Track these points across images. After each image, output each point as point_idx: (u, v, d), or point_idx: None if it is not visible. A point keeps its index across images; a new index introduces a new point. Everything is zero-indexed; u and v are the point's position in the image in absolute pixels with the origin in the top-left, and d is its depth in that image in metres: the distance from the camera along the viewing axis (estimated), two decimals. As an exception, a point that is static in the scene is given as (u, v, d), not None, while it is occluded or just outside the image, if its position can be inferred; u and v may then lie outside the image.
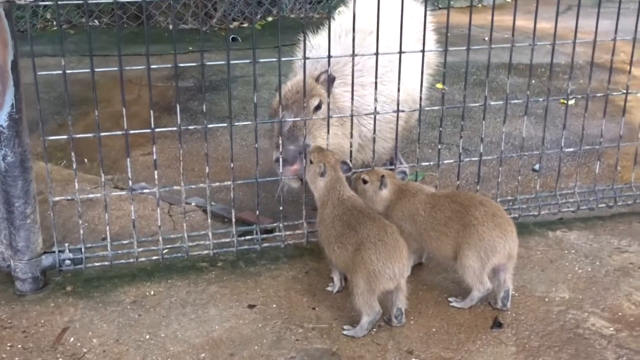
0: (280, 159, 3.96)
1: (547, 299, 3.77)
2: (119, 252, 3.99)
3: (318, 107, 4.12)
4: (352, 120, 4.07)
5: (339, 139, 4.14)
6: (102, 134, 3.75)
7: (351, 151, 4.12)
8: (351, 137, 4.10)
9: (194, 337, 3.50)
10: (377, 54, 3.93)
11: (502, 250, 3.59)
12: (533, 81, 7.26)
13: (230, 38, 9.04)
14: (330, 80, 4.12)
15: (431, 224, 3.71)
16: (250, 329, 3.55)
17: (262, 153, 4.11)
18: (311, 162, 3.80)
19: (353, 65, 4.01)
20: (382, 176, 3.84)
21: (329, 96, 4.05)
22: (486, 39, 8.48)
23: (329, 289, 3.85)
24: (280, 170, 3.99)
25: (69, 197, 4.25)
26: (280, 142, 3.95)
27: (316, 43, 4.57)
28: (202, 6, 4.27)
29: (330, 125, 4.04)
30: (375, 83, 4.01)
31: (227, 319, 3.63)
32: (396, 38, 3.97)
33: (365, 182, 3.90)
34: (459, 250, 3.62)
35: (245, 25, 9.92)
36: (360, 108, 4.22)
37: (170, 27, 9.70)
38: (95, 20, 9.56)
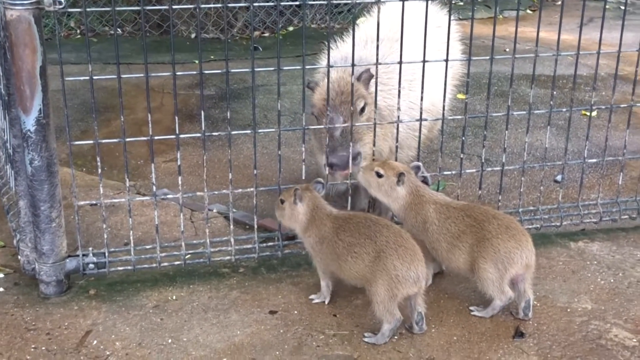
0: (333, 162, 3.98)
1: (569, 310, 3.75)
2: (142, 257, 4.02)
3: (363, 110, 4.13)
4: (397, 126, 4.13)
5: (379, 141, 4.15)
6: (128, 139, 3.79)
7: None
8: (396, 140, 4.14)
9: (215, 342, 3.52)
10: (400, 62, 3.94)
11: (520, 261, 3.58)
12: (555, 92, 7.27)
13: (252, 47, 9.09)
14: (370, 77, 4.13)
15: (444, 236, 3.70)
16: (272, 335, 3.56)
17: (284, 161, 4.13)
18: (380, 176, 3.79)
19: (377, 70, 4.02)
20: (401, 173, 3.76)
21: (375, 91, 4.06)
22: (507, 49, 8.47)
23: (313, 298, 3.83)
24: (333, 174, 4.00)
25: (94, 202, 4.29)
26: (331, 146, 3.96)
27: (345, 51, 4.57)
28: (225, 14, 4.28)
29: (370, 129, 4.06)
30: (399, 91, 4.03)
31: (248, 325, 3.64)
32: (423, 46, 3.98)
33: (380, 175, 3.81)
34: (474, 265, 3.62)
35: (267, 34, 9.98)
36: (394, 110, 4.22)
37: (192, 35, 9.78)
38: (119, 29, 9.66)
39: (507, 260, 3.56)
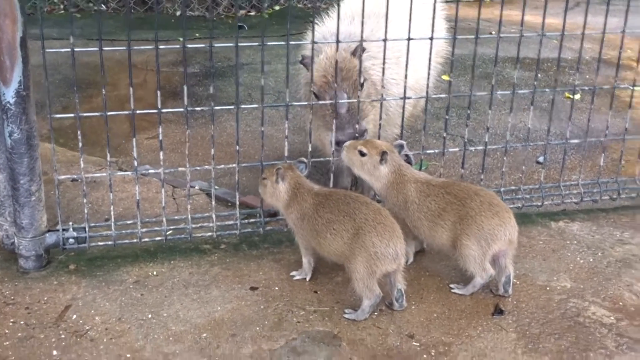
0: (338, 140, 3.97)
1: (548, 288, 3.78)
2: (123, 232, 4.00)
3: (362, 85, 4.10)
4: (404, 102, 4.12)
5: (377, 117, 4.14)
6: (109, 113, 3.76)
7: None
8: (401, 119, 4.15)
9: (196, 317, 3.51)
10: (385, 40, 3.93)
11: (503, 237, 3.61)
12: (539, 75, 7.29)
13: (237, 26, 9.03)
14: (363, 51, 4.09)
15: (425, 214, 3.71)
16: (252, 311, 3.56)
17: (267, 139, 4.11)
18: (363, 155, 3.79)
19: (361, 47, 4.00)
20: (384, 152, 3.75)
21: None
22: (493, 32, 8.47)
23: (295, 275, 3.83)
24: (338, 153, 3.97)
25: (74, 177, 4.26)
26: (338, 123, 3.94)
27: (332, 26, 4.52)
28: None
29: (373, 105, 4.04)
30: (383, 69, 4.01)
31: (229, 300, 3.64)
32: (412, 24, 3.96)
33: (363, 154, 3.80)
34: (457, 241, 3.63)
35: (252, 13, 9.91)
36: (386, 84, 4.20)
37: (178, 13, 9.70)
38: (103, 5, 9.57)
39: (490, 237, 3.58)
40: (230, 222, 4.15)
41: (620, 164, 4.74)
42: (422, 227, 3.73)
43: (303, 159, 3.88)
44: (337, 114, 3.96)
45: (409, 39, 3.95)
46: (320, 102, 4.05)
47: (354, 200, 3.55)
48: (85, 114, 3.76)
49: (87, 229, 3.94)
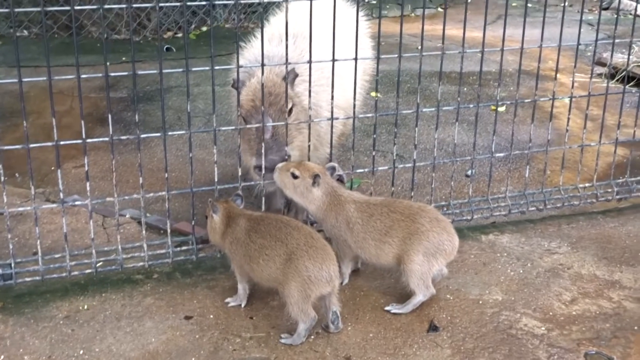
0: (263, 166, 3.94)
1: (481, 302, 3.84)
2: (51, 266, 3.90)
3: (291, 111, 4.09)
4: (308, 125, 4.10)
5: (306, 142, 4.14)
6: (32, 145, 3.67)
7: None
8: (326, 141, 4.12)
9: (129, 350, 3.44)
10: (310, 62, 3.94)
11: (450, 251, 3.72)
12: (465, 89, 7.44)
13: (165, 48, 8.95)
14: (295, 76, 4.09)
15: (371, 233, 3.74)
16: (187, 340, 3.51)
17: (197, 162, 4.08)
18: (295, 177, 3.78)
19: (287, 68, 4.00)
20: (316, 175, 3.77)
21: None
22: (419, 47, 8.61)
23: (229, 302, 3.80)
24: (262, 178, 3.96)
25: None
26: (261, 149, 3.91)
27: (258, 49, 4.51)
28: (132, 15, 4.19)
29: (300, 128, 4.04)
30: (310, 91, 4.02)
31: (163, 331, 3.58)
32: (338, 44, 3.99)
33: (295, 176, 3.81)
34: (404, 257, 3.67)
35: (179, 35, 9.84)
36: (317, 107, 4.20)
37: (105, 36, 9.55)
38: (25, 31, 9.36)
39: (439, 252, 3.68)
40: (163, 251, 4.09)
41: (545, 174, 4.86)
42: (368, 246, 3.75)
43: (239, 192, 3.87)
44: (260, 140, 3.95)
45: (333, 60, 3.98)
46: (248, 125, 4.03)
47: (285, 225, 3.54)
48: (6, 147, 3.66)
49: (12, 265, 3.83)
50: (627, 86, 5.23)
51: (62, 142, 3.72)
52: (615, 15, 4.70)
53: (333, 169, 3.91)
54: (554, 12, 10.55)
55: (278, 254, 3.48)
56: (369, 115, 4.57)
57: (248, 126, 4.02)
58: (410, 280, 3.68)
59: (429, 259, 3.66)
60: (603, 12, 11.57)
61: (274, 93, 4.01)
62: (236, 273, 3.75)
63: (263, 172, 3.92)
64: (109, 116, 3.77)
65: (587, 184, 4.94)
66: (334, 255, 3.49)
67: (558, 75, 4.69)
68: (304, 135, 4.11)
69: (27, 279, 3.88)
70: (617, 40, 4.80)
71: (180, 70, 3.82)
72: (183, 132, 4.07)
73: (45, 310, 3.74)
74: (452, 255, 3.76)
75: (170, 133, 4.03)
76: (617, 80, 7.44)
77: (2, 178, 3.69)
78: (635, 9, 5.22)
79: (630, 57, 7.17)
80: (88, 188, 3.85)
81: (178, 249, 4.13)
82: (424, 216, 3.71)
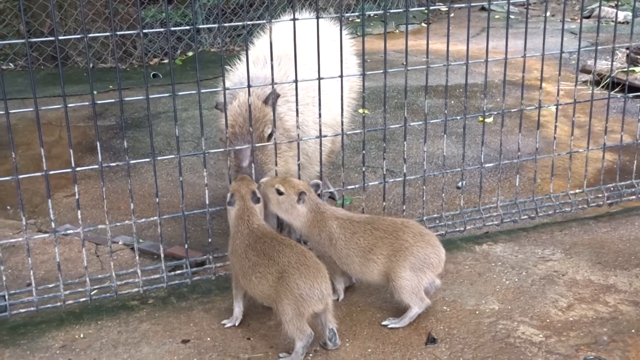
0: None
1: (477, 312, 3.84)
2: (45, 296, 3.88)
3: (270, 136, 4.10)
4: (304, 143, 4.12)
5: (289, 163, 4.14)
6: (21, 176, 3.67)
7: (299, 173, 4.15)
8: (298, 159, 4.12)
9: (127, 377, 3.42)
10: (296, 81, 3.96)
11: (437, 264, 3.72)
12: (452, 101, 7.48)
13: (152, 75, 8.98)
14: (277, 97, 4.09)
15: (354, 250, 3.74)
16: (185, 365, 3.50)
17: (187, 186, 4.08)
18: (280, 194, 3.80)
19: (273, 90, 4.02)
20: (301, 192, 3.78)
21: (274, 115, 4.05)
22: (404, 62, 8.66)
23: (226, 323, 3.78)
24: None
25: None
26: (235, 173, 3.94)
27: (243, 71, 4.53)
28: (118, 43, 4.21)
29: (281, 152, 4.03)
30: (297, 110, 4.04)
31: (161, 356, 3.56)
32: (323, 63, 4.01)
33: (280, 193, 3.81)
34: (391, 274, 3.67)
35: (166, 61, 9.88)
36: (302, 126, 4.21)
37: (91, 65, 9.57)
38: (11, 64, 9.36)
39: (426, 265, 3.67)
40: (157, 276, 4.08)
41: (535, 182, 4.89)
42: (353, 263, 3.76)
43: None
44: (238, 167, 3.96)
45: (319, 78, 4.00)
46: (237, 147, 4.04)
47: (279, 244, 3.55)
48: (-4, 179, 3.66)
49: (6, 297, 3.81)
50: (612, 92, 5.27)
51: (51, 172, 3.72)
52: (597, 23, 4.75)
53: (317, 186, 3.92)
54: (536, 22, 10.68)
55: (270, 271, 3.48)
56: (357, 131, 4.59)
57: (236, 147, 4.02)
58: (403, 296, 3.69)
59: (417, 274, 3.67)
60: (585, 20, 11.69)
61: (254, 118, 4.01)
62: (233, 287, 3.75)
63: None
64: (98, 144, 3.78)
65: (577, 190, 4.96)
66: (326, 273, 3.49)
67: (543, 84, 4.73)
68: (285, 159, 4.12)
69: (22, 310, 3.85)
70: (599, 47, 4.84)
71: (167, 95, 3.82)
72: (172, 156, 4.08)
73: (41, 340, 3.72)
74: (440, 267, 3.76)
75: (159, 158, 4.03)
76: (602, 87, 7.51)
77: (-7, 210, 3.68)
78: (616, 16, 5.27)
79: (614, 63, 7.26)
80: (79, 216, 3.84)
81: (172, 273, 4.11)
82: (407, 232, 3.72)
